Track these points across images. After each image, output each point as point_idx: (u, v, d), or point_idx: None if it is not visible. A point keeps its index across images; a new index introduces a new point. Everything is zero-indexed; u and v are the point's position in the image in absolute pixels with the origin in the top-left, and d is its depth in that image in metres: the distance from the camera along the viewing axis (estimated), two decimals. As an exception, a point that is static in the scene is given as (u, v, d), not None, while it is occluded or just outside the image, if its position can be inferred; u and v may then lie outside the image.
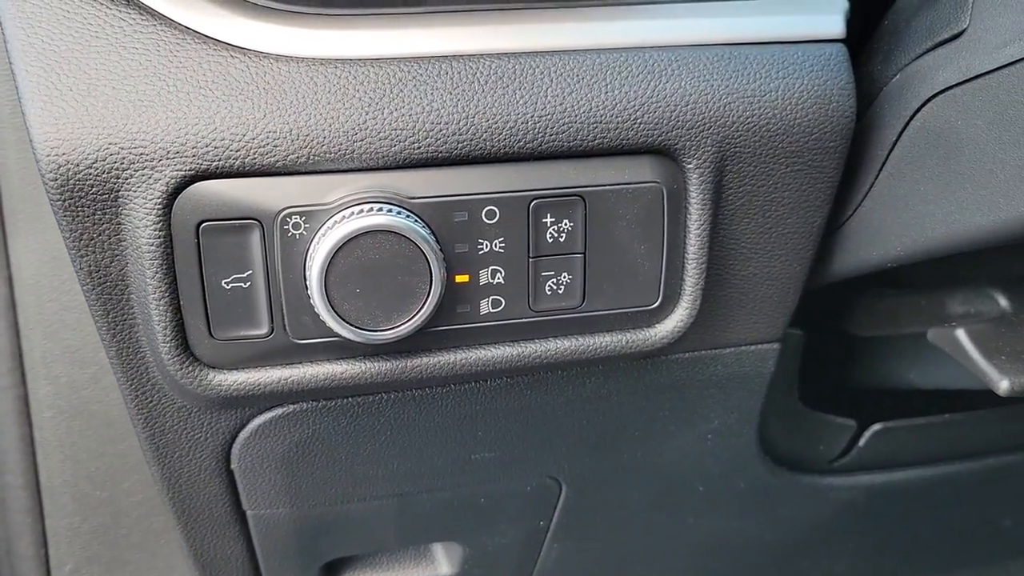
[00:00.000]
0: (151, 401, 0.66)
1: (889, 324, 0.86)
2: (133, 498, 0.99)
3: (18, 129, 0.82)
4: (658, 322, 0.67)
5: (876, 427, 0.93)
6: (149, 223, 0.56)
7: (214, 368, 0.61)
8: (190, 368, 0.60)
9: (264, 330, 0.60)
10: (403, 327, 0.59)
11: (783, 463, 0.92)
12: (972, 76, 0.58)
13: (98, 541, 1.01)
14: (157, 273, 0.57)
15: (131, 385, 0.65)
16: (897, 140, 0.65)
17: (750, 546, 1.04)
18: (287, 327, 0.60)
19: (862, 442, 0.94)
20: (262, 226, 0.57)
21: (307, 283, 0.58)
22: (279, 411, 0.69)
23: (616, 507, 0.91)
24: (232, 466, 0.73)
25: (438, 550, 0.94)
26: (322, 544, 0.84)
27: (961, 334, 0.71)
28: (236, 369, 0.61)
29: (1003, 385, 0.68)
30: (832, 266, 0.73)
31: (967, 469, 1.01)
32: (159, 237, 0.56)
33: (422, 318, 0.59)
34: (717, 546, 1.03)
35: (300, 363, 0.62)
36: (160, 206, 0.56)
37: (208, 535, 0.79)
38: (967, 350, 0.71)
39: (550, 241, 0.62)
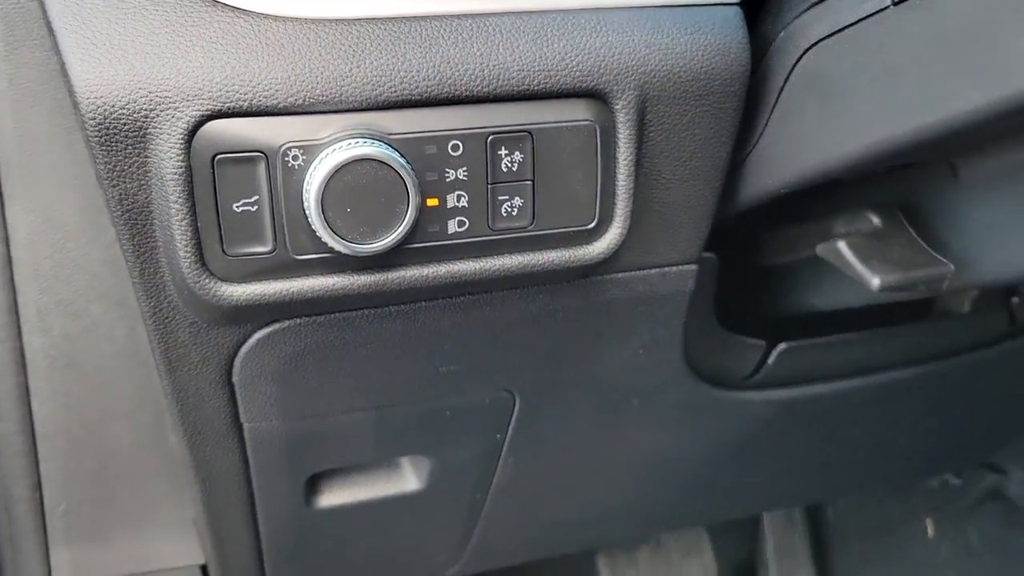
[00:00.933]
0: (167, 318, 0.77)
1: (788, 251, 1.00)
2: (122, 442, 1.06)
3: (16, 100, 0.90)
4: (595, 240, 0.80)
5: (782, 346, 1.07)
6: (173, 155, 0.66)
7: (226, 281, 0.71)
8: (206, 281, 0.71)
9: (268, 247, 0.71)
10: (385, 241, 0.70)
11: (705, 379, 1.05)
12: (839, 28, 0.71)
13: (89, 482, 1.08)
14: (179, 199, 0.67)
15: (151, 303, 0.75)
16: (784, 86, 0.78)
17: (679, 460, 1.18)
18: (288, 244, 0.71)
19: (771, 360, 1.08)
20: (267, 158, 0.68)
21: (305, 205, 0.69)
22: (276, 326, 0.80)
23: (563, 420, 1.03)
24: (233, 379, 0.83)
25: (406, 466, 1.06)
26: (307, 457, 0.95)
27: (842, 245, 0.85)
28: (244, 282, 0.72)
29: (875, 282, 0.82)
30: (739, 195, 0.87)
31: (864, 384, 1.16)
32: (181, 167, 0.67)
33: (401, 234, 0.70)
34: (651, 460, 1.16)
35: (298, 277, 0.73)
36: (182, 141, 0.66)
37: (210, 447, 0.89)
38: (846, 257, 0.85)
39: (505, 170, 0.74)
